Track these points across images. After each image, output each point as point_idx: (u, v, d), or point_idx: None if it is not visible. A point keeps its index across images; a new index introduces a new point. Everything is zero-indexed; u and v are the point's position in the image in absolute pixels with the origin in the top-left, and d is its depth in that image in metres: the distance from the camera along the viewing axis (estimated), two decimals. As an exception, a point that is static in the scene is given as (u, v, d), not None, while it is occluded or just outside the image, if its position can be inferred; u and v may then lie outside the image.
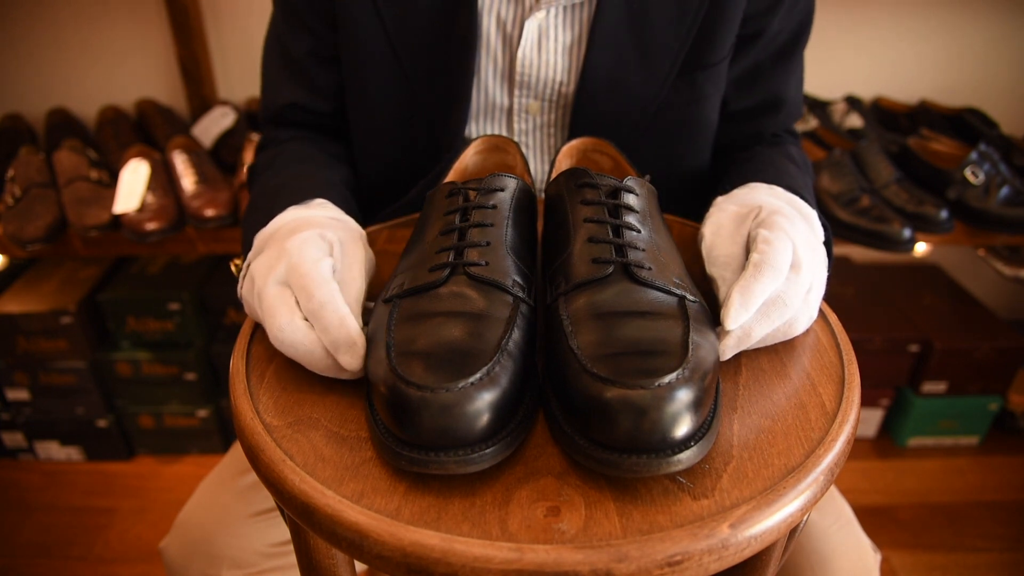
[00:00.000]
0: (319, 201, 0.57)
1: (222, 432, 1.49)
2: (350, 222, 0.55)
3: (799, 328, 0.48)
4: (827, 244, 0.55)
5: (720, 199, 0.58)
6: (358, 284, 0.48)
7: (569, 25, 0.67)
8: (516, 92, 0.71)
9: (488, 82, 0.71)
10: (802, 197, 0.58)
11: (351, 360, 0.42)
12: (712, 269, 0.50)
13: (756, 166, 0.66)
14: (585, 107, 0.69)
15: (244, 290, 0.50)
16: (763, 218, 0.51)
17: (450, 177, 0.62)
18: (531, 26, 0.67)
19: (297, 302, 0.45)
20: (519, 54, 0.68)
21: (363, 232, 0.55)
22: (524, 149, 0.75)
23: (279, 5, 0.72)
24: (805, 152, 0.75)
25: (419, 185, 0.71)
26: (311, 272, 0.45)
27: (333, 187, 0.63)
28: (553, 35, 0.68)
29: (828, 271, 0.52)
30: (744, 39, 0.68)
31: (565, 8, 0.67)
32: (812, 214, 0.55)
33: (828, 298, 0.51)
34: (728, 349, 0.45)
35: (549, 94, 0.71)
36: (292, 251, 0.47)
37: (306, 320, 0.44)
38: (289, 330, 0.43)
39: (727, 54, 0.68)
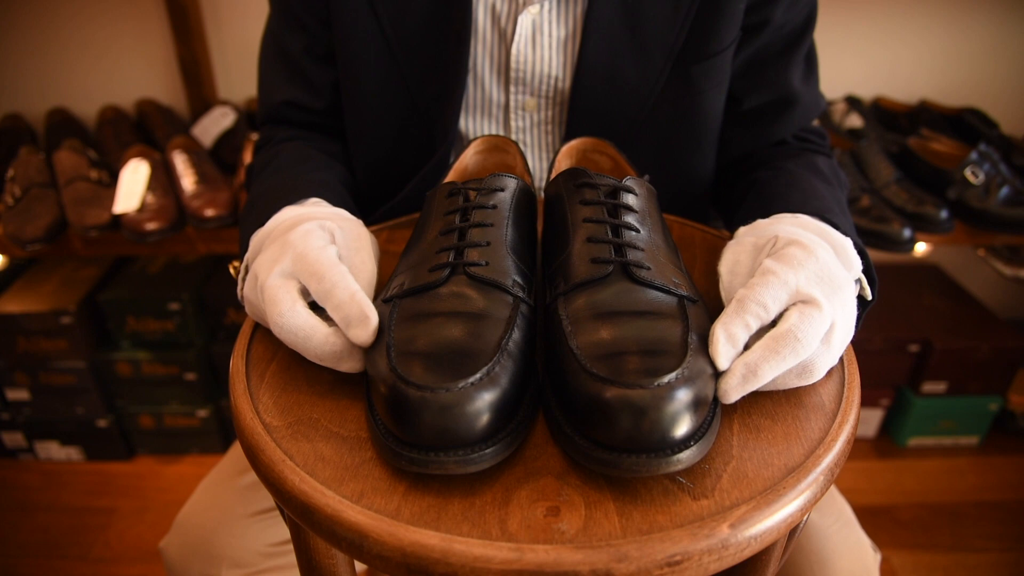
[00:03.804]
0: (314, 200, 0.57)
1: (222, 432, 1.49)
2: (347, 214, 0.56)
3: (818, 372, 0.43)
4: (868, 273, 0.51)
5: (742, 230, 0.54)
6: (369, 267, 0.49)
7: (563, 20, 0.67)
8: (512, 88, 0.71)
9: (484, 78, 0.71)
10: (832, 221, 0.53)
11: (362, 334, 0.41)
12: None
13: (779, 190, 0.61)
14: (581, 103, 0.69)
15: (247, 288, 0.50)
16: (776, 249, 0.47)
17: (450, 177, 0.62)
18: (524, 21, 0.67)
19: (300, 292, 0.45)
20: (513, 49, 0.68)
21: (361, 221, 0.56)
22: (522, 147, 0.75)
23: (275, 3, 0.72)
24: (835, 160, 0.72)
25: (414, 181, 0.71)
26: (320, 257, 0.45)
27: (330, 187, 0.63)
28: (547, 30, 0.68)
29: (871, 303, 0.49)
30: (749, 31, 0.68)
31: (558, 2, 0.67)
32: (844, 243, 0.49)
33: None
34: (732, 390, 0.40)
35: (545, 90, 0.71)
36: (296, 242, 0.47)
37: (308, 307, 0.44)
38: (290, 315, 0.43)
39: (726, 46, 0.67)
